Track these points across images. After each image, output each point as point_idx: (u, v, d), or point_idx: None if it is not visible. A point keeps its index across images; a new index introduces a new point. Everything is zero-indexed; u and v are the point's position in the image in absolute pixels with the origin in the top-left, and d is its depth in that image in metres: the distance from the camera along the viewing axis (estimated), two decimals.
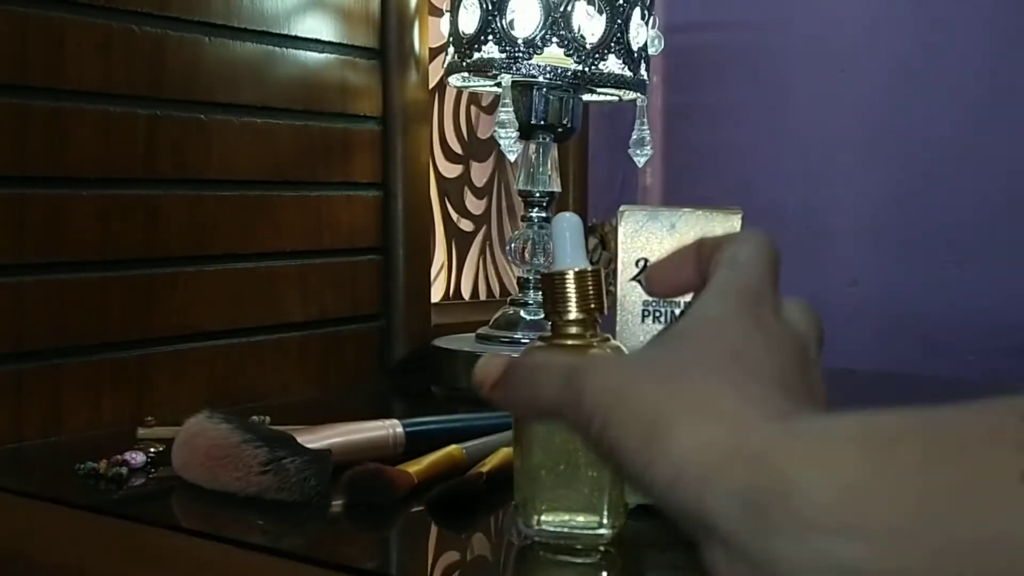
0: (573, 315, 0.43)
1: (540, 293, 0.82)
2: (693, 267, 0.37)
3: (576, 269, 0.42)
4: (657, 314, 0.49)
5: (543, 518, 0.43)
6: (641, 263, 0.49)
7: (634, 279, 0.49)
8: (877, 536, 0.27)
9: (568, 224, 0.43)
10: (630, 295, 0.49)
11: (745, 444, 0.30)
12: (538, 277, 0.83)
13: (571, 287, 0.42)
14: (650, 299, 0.49)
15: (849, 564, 0.27)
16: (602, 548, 0.43)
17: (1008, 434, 0.26)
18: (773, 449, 0.29)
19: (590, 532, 0.43)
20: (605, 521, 0.43)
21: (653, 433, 0.31)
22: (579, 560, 0.43)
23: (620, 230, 0.49)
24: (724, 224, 0.49)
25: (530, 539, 0.44)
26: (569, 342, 0.43)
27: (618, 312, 0.49)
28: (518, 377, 0.36)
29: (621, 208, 0.49)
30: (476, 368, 0.37)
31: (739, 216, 0.49)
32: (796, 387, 0.34)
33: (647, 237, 0.49)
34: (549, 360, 0.36)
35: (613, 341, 0.44)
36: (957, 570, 0.26)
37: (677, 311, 0.49)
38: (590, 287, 0.43)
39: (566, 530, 0.43)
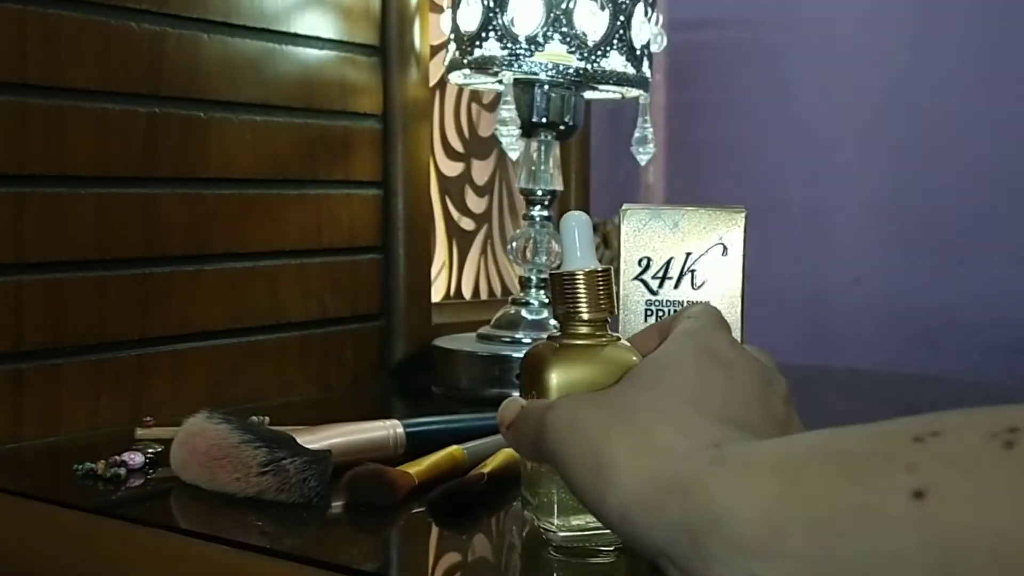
0: (584, 315, 0.42)
1: (541, 292, 0.82)
2: (658, 340, 0.41)
3: (587, 269, 0.42)
4: (660, 314, 0.48)
5: (558, 521, 0.43)
6: (644, 262, 0.49)
7: (636, 278, 0.49)
8: (794, 558, 0.29)
9: (577, 223, 0.43)
10: (633, 294, 0.49)
11: (678, 476, 0.32)
12: (540, 276, 0.83)
13: (582, 287, 0.42)
14: (653, 298, 0.49)
15: None
16: (614, 550, 0.43)
17: (899, 456, 0.28)
18: (702, 479, 0.31)
19: (602, 533, 0.42)
20: None
21: (600, 471, 0.34)
22: (596, 561, 0.43)
23: (623, 229, 0.49)
24: (728, 222, 0.48)
25: (555, 543, 0.43)
26: (579, 342, 0.43)
27: (621, 311, 0.49)
28: (520, 420, 0.40)
29: (624, 207, 0.49)
30: (500, 409, 0.41)
31: (743, 215, 0.48)
32: (745, 411, 0.36)
33: (650, 236, 0.49)
34: (532, 405, 0.40)
35: (623, 341, 0.43)
36: None
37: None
38: (600, 287, 0.43)
39: (580, 533, 0.43)
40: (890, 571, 0.27)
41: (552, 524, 0.43)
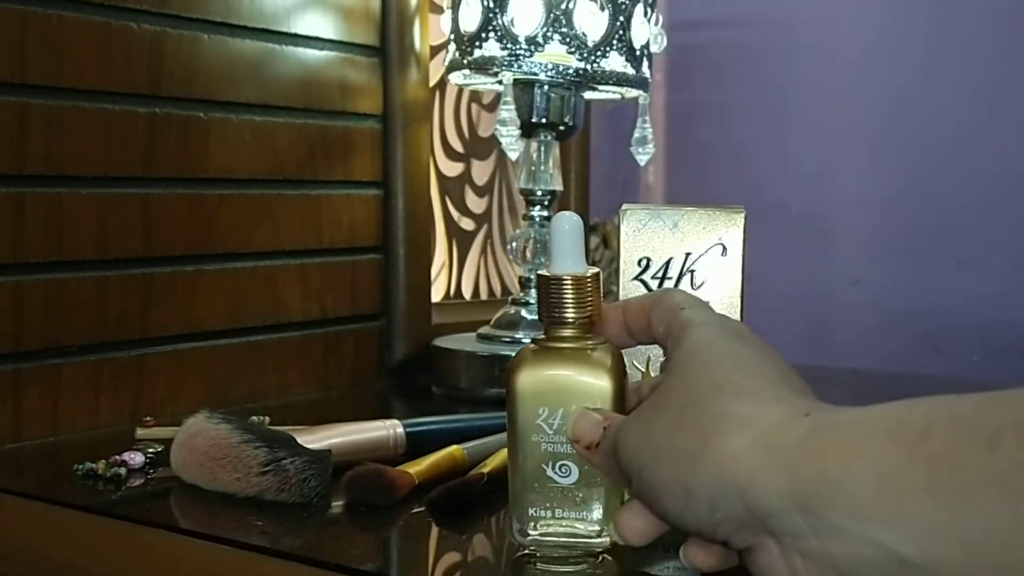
0: (569, 320, 0.42)
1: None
2: (643, 319, 0.41)
3: (574, 274, 0.41)
4: None
5: (539, 526, 0.42)
6: (644, 262, 0.49)
7: (636, 278, 0.49)
8: (916, 525, 0.27)
9: (569, 224, 0.42)
10: (633, 294, 0.49)
11: (777, 445, 0.31)
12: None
13: (568, 292, 0.41)
14: None
15: (897, 550, 0.28)
16: (598, 557, 0.43)
17: None
18: (808, 447, 0.30)
19: (586, 540, 0.42)
20: (602, 529, 0.42)
21: (681, 463, 0.33)
22: (575, 568, 0.42)
23: (622, 229, 0.49)
24: (727, 223, 0.48)
25: (527, 548, 0.43)
26: (563, 345, 0.42)
27: None
28: (601, 450, 0.39)
29: (623, 207, 0.49)
30: (574, 423, 0.40)
31: (742, 215, 0.48)
32: (800, 385, 0.35)
33: (650, 236, 0.49)
34: (610, 425, 0.39)
35: (608, 344, 0.43)
36: (997, 557, 0.26)
37: None
38: (588, 292, 0.42)
39: (563, 539, 0.42)
40: (1022, 543, 0.26)
41: (530, 529, 0.43)
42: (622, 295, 0.49)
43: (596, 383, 0.41)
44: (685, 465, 0.32)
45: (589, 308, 0.42)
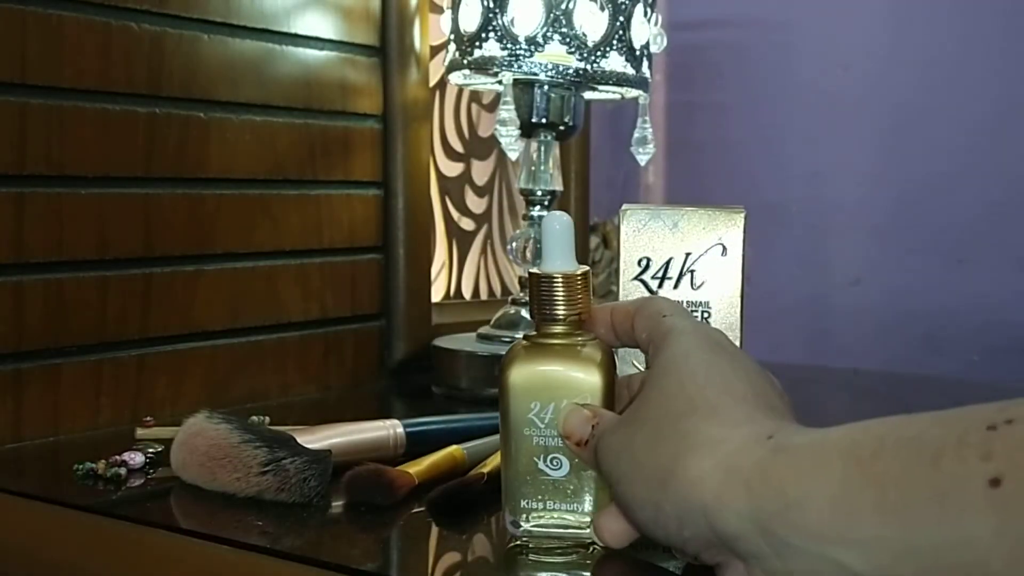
0: (560, 316, 0.43)
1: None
2: (627, 326, 0.42)
3: (564, 272, 0.43)
4: None
5: (531, 518, 0.43)
6: (644, 262, 0.49)
7: (636, 278, 0.49)
8: (869, 543, 0.29)
9: (559, 224, 0.43)
10: (633, 294, 0.49)
11: (740, 468, 0.32)
12: None
13: (559, 289, 0.43)
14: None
15: (853, 567, 0.29)
16: (590, 547, 0.43)
17: (974, 444, 0.28)
18: (767, 470, 0.32)
19: (577, 532, 0.43)
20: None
21: (653, 480, 0.34)
22: (566, 559, 0.43)
23: (623, 229, 0.49)
24: (727, 223, 0.48)
25: (518, 540, 0.44)
26: (554, 341, 0.43)
27: None
28: (587, 449, 0.40)
29: (624, 207, 0.49)
30: (565, 419, 0.41)
31: (742, 215, 0.48)
32: (772, 399, 0.36)
33: (650, 236, 0.49)
34: (597, 428, 0.40)
35: (598, 340, 0.43)
36: (946, 569, 0.28)
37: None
38: (578, 289, 0.43)
39: (554, 531, 0.43)
40: (964, 555, 0.27)
41: (521, 521, 0.43)
42: (622, 295, 0.49)
43: (586, 378, 0.42)
44: (657, 483, 0.34)
45: (579, 305, 0.43)
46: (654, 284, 0.49)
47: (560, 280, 0.43)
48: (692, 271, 0.49)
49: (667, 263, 0.49)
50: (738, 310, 0.48)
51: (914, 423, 0.30)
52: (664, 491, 0.33)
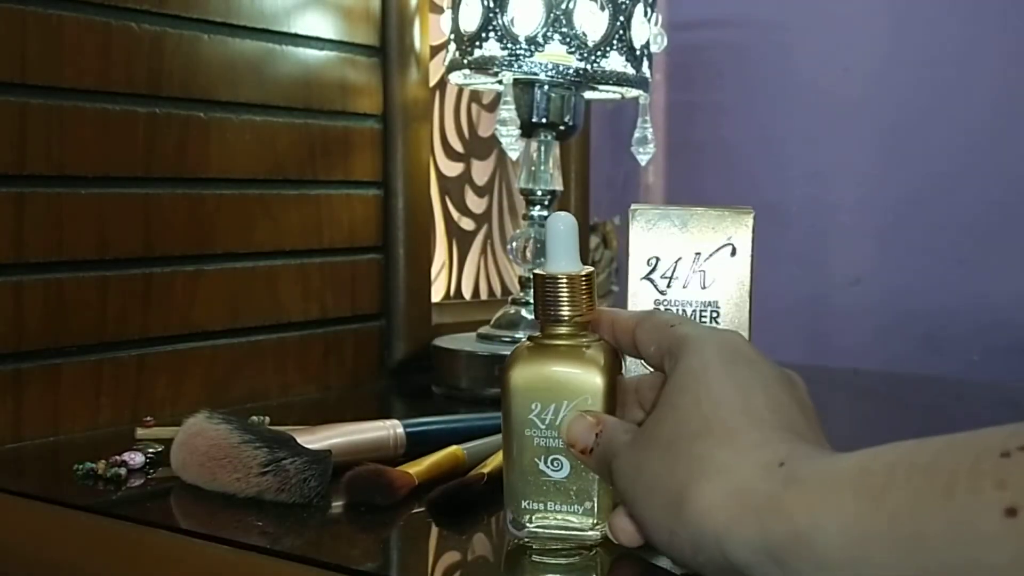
0: (564, 317, 0.43)
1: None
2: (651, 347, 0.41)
3: (569, 273, 0.42)
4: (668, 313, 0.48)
5: (533, 519, 0.43)
6: (653, 261, 0.49)
7: (645, 278, 0.49)
8: (883, 574, 0.29)
9: (563, 224, 0.43)
10: (641, 294, 0.49)
11: (751, 497, 0.32)
12: None
13: (563, 290, 0.42)
14: (662, 298, 0.49)
15: None
16: (592, 548, 0.43)
17: (988, 472, 0.28)
18: (779, 499, 0.31)
19: (579, 533, 0.43)
20: (595, 522, 0.43)
21: (667, 507, 0.34)
22: (569, 561, 0.43)
23: (631, 228, 0.49)
24: (736, 223, 0.48)
25: (520, 540, 0.43)
26: (558, 342, 0.43)
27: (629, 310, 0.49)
28: (593, 459, 0.40)
29: (633, 206, 0.49)
30: (568, 427, 0.41)
31: (751, 215, 0.49)
32: (791, 413, 0.35)
33: (659, 236, 0.49)
34: (603, 442, 0.40)
35: (603, 342, 0.43)
36: None
37: (689, 310, 0.49)
38: (583, 290, 0.43)
39: (556, 532, 0.43)
40: None
41: (524, 522, 0.43)
42: (630, 294, 0.49)
43: (588, 380, 0.42)
44: (671, 509, 0.34)
45: (583, 306, 0.43)
46: (663, 284, 0.49)
47: (564, 281, 0.42)
48: (702, 271, 0.49)
49: (676, 263, 0.49)
50: (747, 310, 0.48)
51: (925, 449, 0.30)
52: (677, 518, 0.33)
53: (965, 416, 0.73)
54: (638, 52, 0.78)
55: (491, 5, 0.75)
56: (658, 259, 0.49)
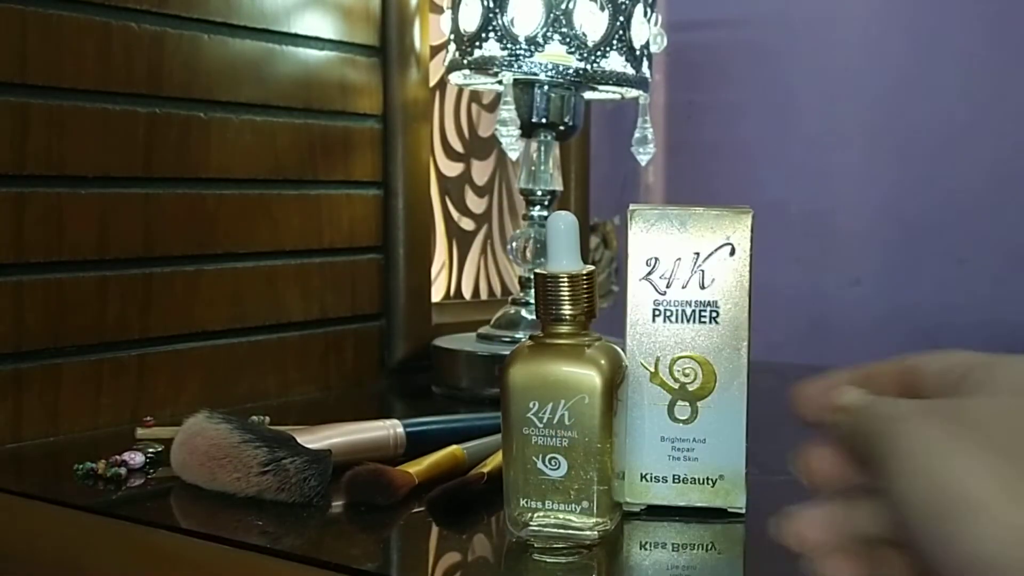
0: (566, 316, 0.43)
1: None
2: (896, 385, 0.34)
3: (570, 272, 0.43)
4: (668, 314, 0.49)
5: (533, 518, 0.43)
6: (652, 262, 0.49)
7: (644, 278, 0.49)
8: None
9: (564, 224, 0.43)
10: (639, 294, 0.49)
11: None
12: None
13: (564, 289, 0.43)
14: (661, 298, 0.49)
15: None
16: (591, 547, 0.43)
17: None
18: None
19: (579, 532, 0.43)
20: (595, 521, 0.43)
21: (961, 510, 0.28)
22: (567, 560, 0.43)
23: (630, 229, 0.49)
24: (735, 223, 0.48)
25: (520, 539, 0.44)
26: (559, 341, 0.43)
27: (628, 311, 0.49)
28: (860, 416, 0.33)
29: (631, 207, 0.49)
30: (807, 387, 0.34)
31: (750, 215, 0.49)
32: None
33: (658, 236, 0.49)
34: (879, 403, 0.32)
35: (605, 341, 0.44)
36: None
37: (689, 310, 0.49)
38: (584, 289, 0.43)
39: (555, 531, 0.43)
40: None
41: (524, 520, 0.43)
42: (629, 294, 0.49)
43: (585, 379, 0.42)
44: (966, 516, 0.28)
45: (584, 305, 0.43)
46: (662, 284, 0.49)
47: (566, 280, 0.43)
48: (701, 271, 0.49)
49: (675, 263, 0.49)
50: (746, 310, 0.48)
51: None
52: (971, 532, 0.27)
53: None
54: (638, 52, 0.78)
55: (491, 5, 0.75)
56: (657, 259, 0.49)
